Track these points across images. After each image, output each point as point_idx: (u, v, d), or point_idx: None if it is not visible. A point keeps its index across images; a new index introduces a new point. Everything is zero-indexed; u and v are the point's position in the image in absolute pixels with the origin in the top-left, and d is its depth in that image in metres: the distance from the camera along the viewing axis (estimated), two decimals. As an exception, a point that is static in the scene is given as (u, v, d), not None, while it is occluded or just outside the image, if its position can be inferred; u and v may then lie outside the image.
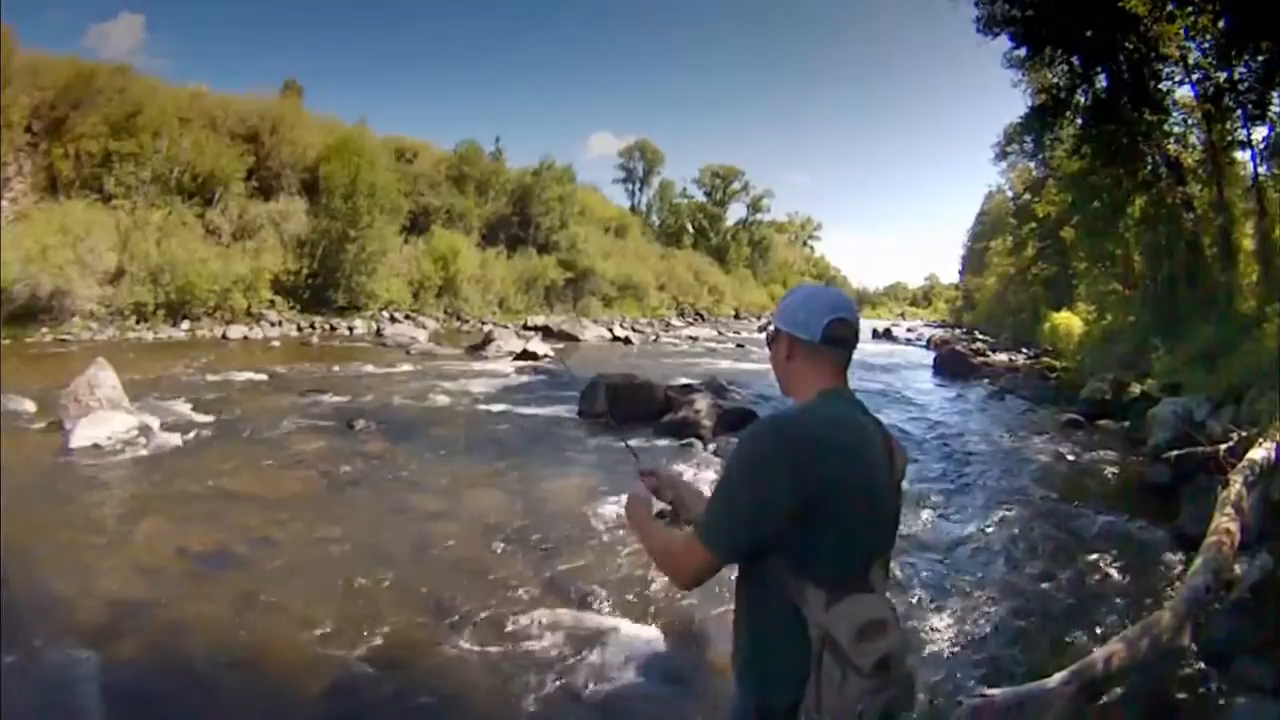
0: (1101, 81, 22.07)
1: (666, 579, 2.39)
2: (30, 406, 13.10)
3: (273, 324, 31.26)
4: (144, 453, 11.13)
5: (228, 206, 34.17)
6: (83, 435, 11.07)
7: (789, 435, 2.09)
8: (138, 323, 26.42)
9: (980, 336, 47.95)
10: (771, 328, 2.39)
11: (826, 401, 2.22)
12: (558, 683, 5.40)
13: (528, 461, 11.78)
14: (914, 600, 6.90)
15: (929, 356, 32.82)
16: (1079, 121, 22.90)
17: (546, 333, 35.66)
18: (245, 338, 28.04)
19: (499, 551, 7.85)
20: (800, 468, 2.00)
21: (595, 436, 13.58)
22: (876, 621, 2.01)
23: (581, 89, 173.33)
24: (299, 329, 31.75)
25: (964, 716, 4.33)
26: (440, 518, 8.98)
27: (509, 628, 6.15)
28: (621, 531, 8.30)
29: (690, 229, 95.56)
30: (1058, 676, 4.55)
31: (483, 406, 16.76)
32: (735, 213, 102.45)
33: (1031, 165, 32.61)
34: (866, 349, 38.17)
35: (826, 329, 2.24)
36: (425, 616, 6.38)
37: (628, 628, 6.19)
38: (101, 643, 5.74)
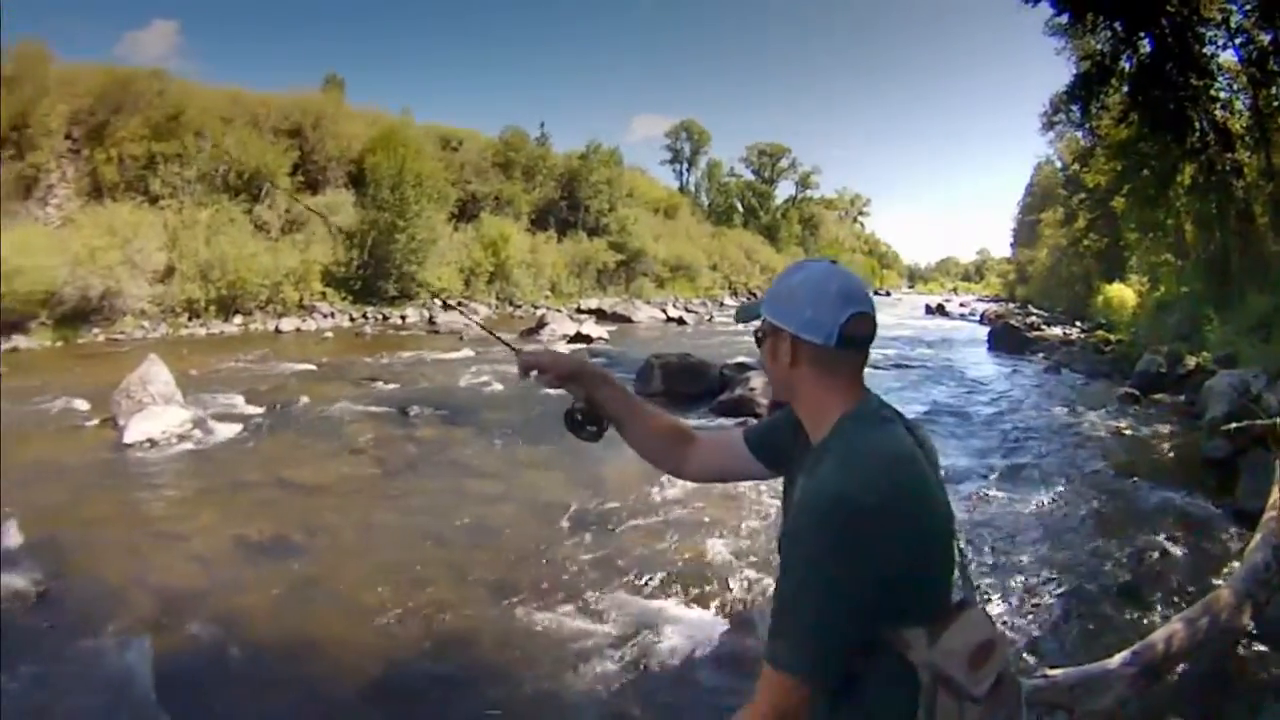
0: (1145, 47, 21.51)
1: None
2: (84, 405, 13.28)
3: (325, 315, 31.55)
4: (198, 445, 11.26)
5: (275, 202, 34.36)
6: (137, 430, 11.19)
7: (864, 514, 1.61)
8: (190, 319, 26.78)
9: (1034, 310, 47.37)
10: (761, 321, 1.90)
11: (866, 433, 1.76)
12: (613, 663, 5.39)
13: (582, 444, 11.59)
14: (975, 576, 6.75)
15: (983, 332, 32.43)
16: (1124, 89, 22.42)
17: (600, 315, 35.72)
18: (298, 330, 28.44)
19: (555, 533, 7.86)
20: (888, 555, 1.62)
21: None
22: (986, 643, 1.77)
23: (623, 72, 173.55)
24: (351, 319, 32.01)
25: (1026, 696, 4.18)
26: (496, 500, 9.01)
27: (565, 608, 6.16)
28: (678, 510, 8.35)
29: (740, 208, 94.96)
30: (1119, 657, 4.48)
31: (538, 390, 16.44)
32: (784, 190, 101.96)
33: (1079, 134, 31.93)
34: (920, 325, 38.03)
35: (844, 328, 1.76)
36: (481, 598, 6.41)
37: (684, 609, 6.18)
38: (157, 629, 5.83)
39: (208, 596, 6.45)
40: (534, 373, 2.43)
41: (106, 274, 23.99)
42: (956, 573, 1.84)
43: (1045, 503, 9.07)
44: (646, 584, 6.63)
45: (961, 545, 1.87)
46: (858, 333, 1.78)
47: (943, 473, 1.90)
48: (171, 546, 7.63)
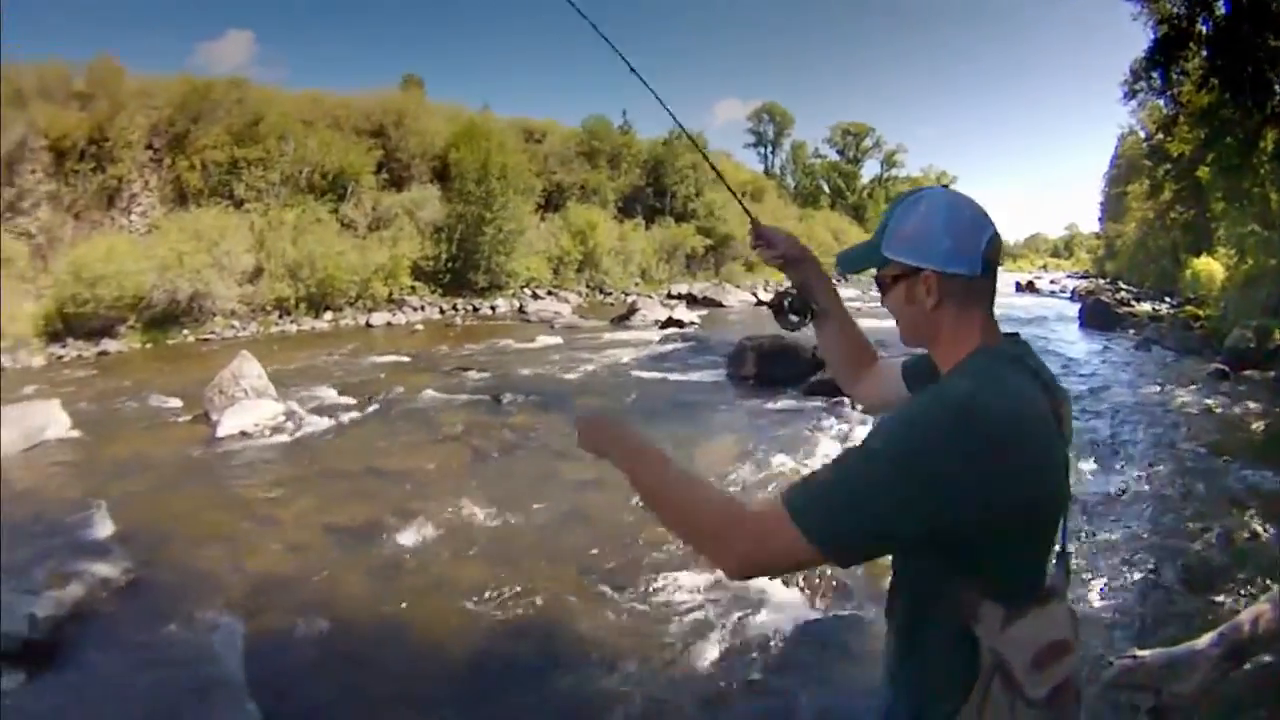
0: (1221, 8, 20.65)
1: (697, 554, 1.77)
2: (176, 403, 13.41)
3: (415, 309, 31.62)
4: (291, 436, 11.31)
5: (360, 200, 34.69)
6: (230, 424, 11.28)
7: (975, 424, 1.45)
8: (280, 317, 27.13)
9: (1124, 286, 46.29)
10: (890, 267, 1.74)
11: (1006, 367, 1.61)
12: (706, 643, 5.31)
13: (676, 426, 11.65)
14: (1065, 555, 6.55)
15: (1073, 308, 31.92)
16: (1203, 53, 21.56)
17: (690, 300, 35.58)
18: (389, 324, 28.58)
19: (646, 515, 7.63)
20: (981, 468, 1.43)
21: (745, 399, 13.37)
22: (1058, 644, 1.60)
23: (703, 57, 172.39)
24: (441, 311, 32.12)
25: (1113, 677, 4.24)
26: (589, 484, 8.82)
27: (656, 590, 6.10)
28: (771, 491, 8.07)
29: (826, 189, 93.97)
30: (1206, 638, 4.29)
31: (630, 374, 16.74)
32: (869, 170, 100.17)
33: (1161, 102, 30.81)
34: (1011, 302, 37.41)
35: (987, 251, 1.65)
36: (572, 580, 6.34)
37: (777, 591, 6.00)
38: (248, 613, 5.85)
39: (299, 581, 6.44)
40: (763, 246, 2.28)
41: (195, 277, 24.41)
42: (1054, 562, 1.66)
43: (1134, 481, 8.86)
44: None
45: (1065, 536, 1.69)
46: (993, 255, 1.66)
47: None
48: (263, 533, 7.64)
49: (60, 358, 19.81)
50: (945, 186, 1.81)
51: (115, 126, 27.67)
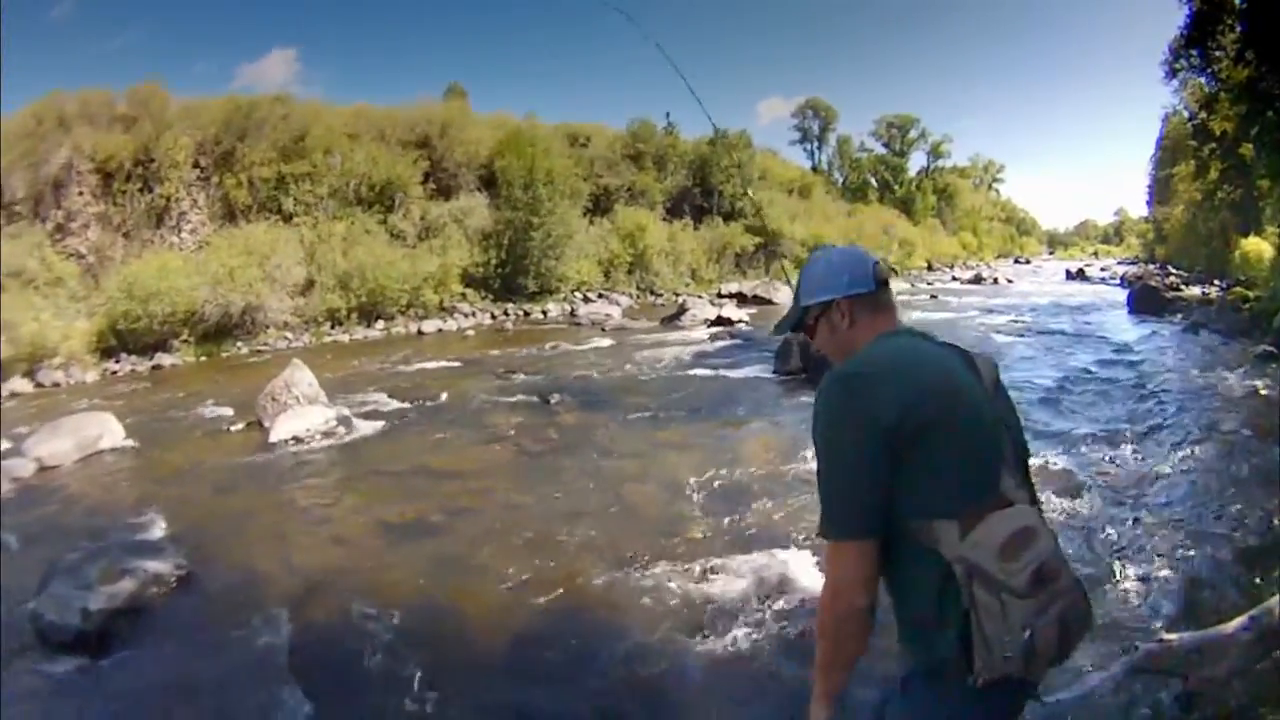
0: None
1: (841, 618, 1.99)
2: (229, 411, 13.64)
3: (466, 315, 31.73)
4: (343, 440, 11.47)
5: (409, 210, 34.96)
6: (282, 429, 11.48)
7: (853, 376, 1.99)
8: (332, 327, 27.38)
9: (1173, 271, 45.45)
10: (813, 310, 2.28)
11: (887, 339, 2.14)
12: (748, 630, 5.33)
13: (722, 422, 11.65)
14: (1100, 538, 6.62)
15: (1122, 294, 31.23)
16: (1238, 26, 21.13)
17: (740, 299, 35.37)
18: (439, 330, 28.79)
19: (693, 510, 7.77)
20: (878, 402, 1.90)
21: (790, 394, 13.30)
22: (1019, 531, 1.87)
23: (745, 56, 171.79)
24: (493, 317, 32.20)
25: (1142, 661, 4.23)
26: (634, 480, 8.95)
27: (700, 581, 6.13)
28: (812, 482, 8.06)
29: (874, 183, 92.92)
30: (1236, 622, 4.23)
31: (677, 373, 16.70)
32: (916, 162, 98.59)
33: (1202, 80, 30.16)
34: (1062, 291, 37.21)
35: (875, 272, 2.22)
36: (617, 572, 6.38)
37: (810, 576, 5.99)
38: (297, 607, 5.96)
39: (347, 574, 6.57)
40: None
41: (246, 290, 24.77)
42: (1011, 478, 1.96)
43: (1176, 464, 8.70)
44: (781, 555, 6.50)
45: (1019, 452, 2.06)
46: (882, 274, 2.23)
47: (1012, 391, 2.23)
48: (313, 531, 7.80)
49: (114, 373, 20.22)
50: (829, 245, 2.61)
51: (161, 147, 28.24)
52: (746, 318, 26.43)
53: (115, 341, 21.56)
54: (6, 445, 11.23)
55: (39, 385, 18.14)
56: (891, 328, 2.18)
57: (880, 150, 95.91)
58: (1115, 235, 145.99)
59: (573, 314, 32.70)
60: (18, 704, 4.89)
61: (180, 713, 4.77)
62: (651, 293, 42.97)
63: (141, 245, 26.91)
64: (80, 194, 26.38)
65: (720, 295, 37.17)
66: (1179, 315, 23.40)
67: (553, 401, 13.50)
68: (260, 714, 4.67)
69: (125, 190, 27.42)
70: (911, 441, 1.87)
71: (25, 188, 25.62)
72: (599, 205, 45.60)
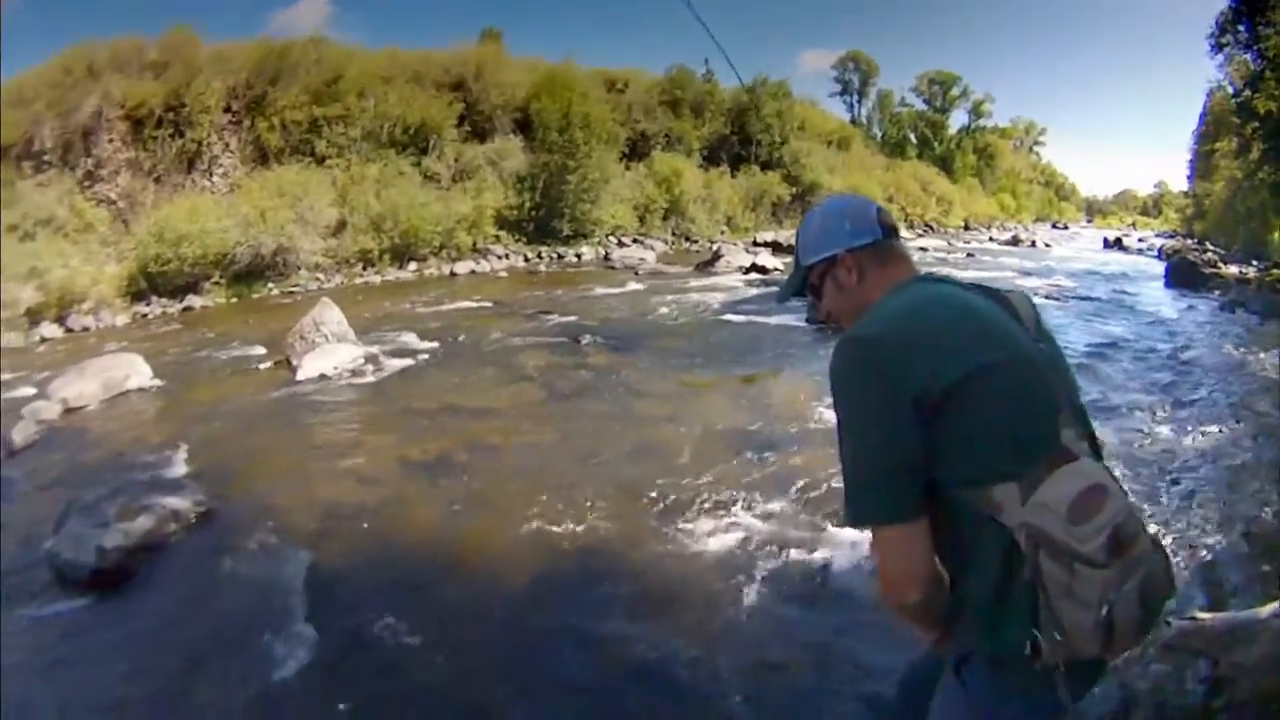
0: None
1: (899, 612, 1.79)
2: (259, 351, 13.61)
3: (499, 257, 31.67)
4: (370, 378, 11.43)
5: (443, 153, 34.80)
6: (310, 367, 11.46)
7: (868, 339, 1.75)
8: (364, 268, 27.35)
9: (1211, 247, 44.72)
10: (816, 268, 2.06)
11: (903, 289, 1.90)
12: (773, 581, 5.22)
13: (753, 368, 11.52)
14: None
15: (1160, 267, 30.88)
16: None
17: (776, 248, 35.06)
18: (472, 272, 28.66)
19: (722, 455, 7.62)
20: (900, 364, 1.68)
21: (824, 343, 13.07)
22: (1088, 489, 1.58)
23: (788, 6, 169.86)
24: (526, 260, 32.10)
25: (1173, 639, 4.01)
26: (662, 422, 8.82)
27: (727, 527, 6.02)
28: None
29: (913, 139, 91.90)
30: (1270, 607, 4.09)
31: (710, 318, 16.60)
32: (957, 120, 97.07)
33: (1248, 57, 29.33)
34: (1100, 259, 37.12)
35: (880, 218, 2.02)
36: (642, 516, 6.27)
37: (844, 532, 5.79)
38: (317, 543, 5.91)
39: (367, 512, 6.49)
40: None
41: (278, 232, 24.71)
42: (1071, 429, 1.73)
43: (1208, 442, 8.44)
44: (808, 501, 6.42)
45: (1074, 399, 1.82)
46: (888, 220, 2.01)
47: (1063, 348, 1.95)
48: (336, 468, 7.70)
49: (144, 316, 20.19)
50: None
51: (192, 92, 28.10)
52: (782, 266, 26.17)
53: (146, 285, 21.51)
54: (32, 390, 11.19)
55: (68, 330, 18.09)
56: (907, 275, 1.96)
57: (921, 106, 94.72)
58: (1154, 208, 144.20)
59: (606, 258, 32.67)
60: (29, 643, 4.86)
61: (190, 649, 4.69)
62: (686, 239, 42.81)
63: (172, 190, 26.85)
64: (110, 141, 26.32)
65: (755, 243, 36.82)
66: (1216, 292, 23.05)
67: (583, 343, 13.43)
68: (270, 651, 4.59)
69: (156, 136, 27.31)
70: (948, 402, 1.64)
71: (54, 137, 25.55)
72: (635, 151, 45.30)
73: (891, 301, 1.84)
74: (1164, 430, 8.79)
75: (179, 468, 7.75)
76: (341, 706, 4.08)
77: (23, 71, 27.80)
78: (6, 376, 12.24)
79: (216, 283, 22.86)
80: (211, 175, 28.56)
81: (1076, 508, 1.55)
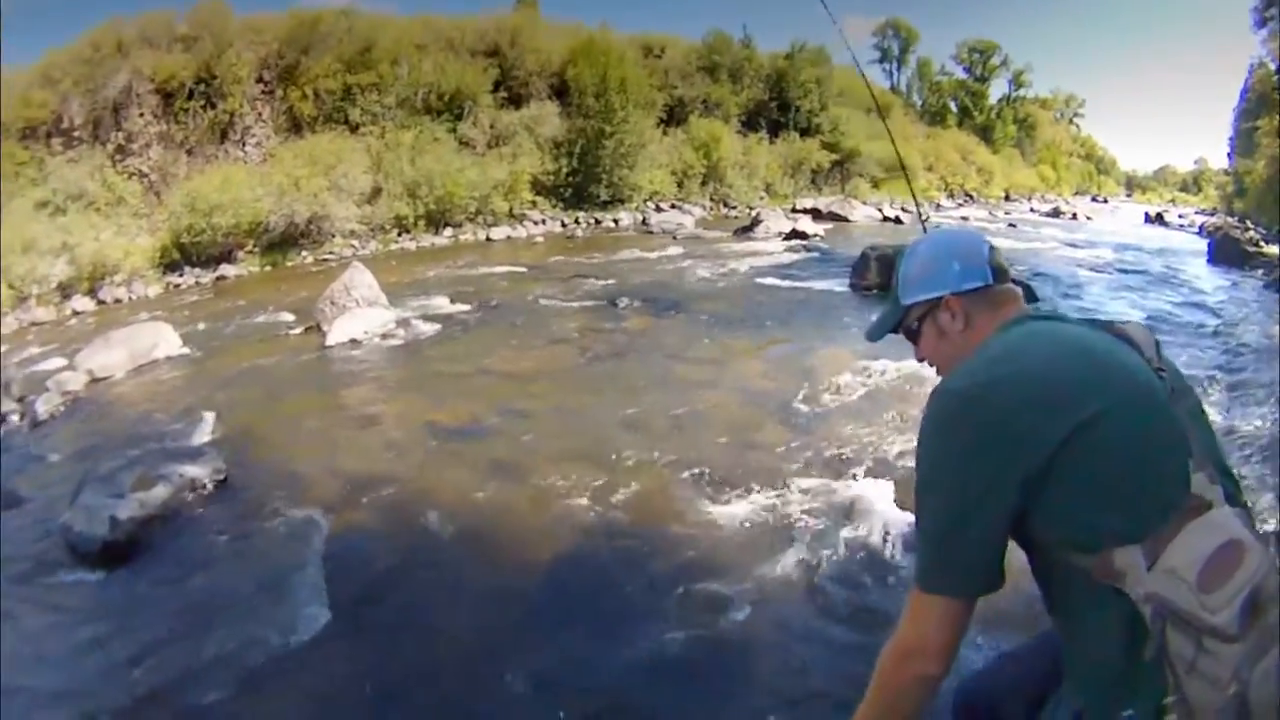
0: None
1: (904, 685, 1.60)
2: (289, 316, 13.53)
3: (536, 223, 31.64)
4: (401, 342, 11.31)
5: (478, 119, 34.67)
6: (339, 332, 11.32)
7: (970, 396, 1.54)
8: (399, 235, 27.38)
9: (1251, 226, 43.91)
10: (916, 309, 1.85)
11: (1008, 330, 1.69)
12: (812, 552, 4.97)
13: (795, 333, 11.24)
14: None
15: (1202, 243, 29.86)
16: None
17: (815, 214, 34.74)
18: (508, 238, 28.59)
19: (759, 419, 7.42)
20: (1005, 424, 1.48)
21: (866, 308, 12.79)
22: (1224, 547, 1.33)
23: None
24: (563, 225, 32.03)
25: None
26: (701, 386, 8.62)
27: (765, 495, 5.79)
28: (890, 402, 7.79)
29: (953, 108, 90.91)
30: None
31: (749, 282, 16.32)
32: (997, 90, 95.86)
33: None
34: (1138, 233, 36.61)
35: (992, 259, 1.78)
36: (680, 485, 6.02)
37: (885, 501, 5.60)
38: (338, 510, 5.73)
39: (392, 479, 6.29)
40: None
41: (312, 200, 24.65)
42: (1203, 471, 1.47)
43: (1252, 421, 8.07)
44: (848, 470, 6.18)
45: (1205, 435, 1.58)
46: (1000, 262, 1.79)
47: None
48: (362, 434, 7.53)
49: (177, 286, 20.19)
50: (938, 226, 2.20)
51: (223, 64, 28.10)
52: (822, 232, 25.99)
53: (179, 255, 21.53)
54: (62, 361, 11.07)
55: (100, 302, 18.08)
56: (1013, 316, 1.75)
57: (961, 75, 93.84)
58: (1193, 184, 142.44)
59: (644, 223, 32.43)
60: (34, 620, 4.72)
61: (196, 621, 4.51)
62: (725, 205, 42.52)
63: (205, 161, 26.90)
64: (140, 115, 26.33)
65: (795, 210, 36.46)
66: (1260, 270, 22.37)
67: (620, 306, 13.23)
68: (282, 622, 4.41)
69: (187, 108, 27.34)
70: (1055, 461, 1.44)
71: (84, 113, 25.59)
72: (673, 116, 44.97)
73: (995, 344, 1.66)
74: (1212, 414, 8.43)
75: (200, 436, 7.59)
76: (353, 680, 3.90)
77: (50, 51, 27.80)
78: (34, 350, 12.18)
79: (250, 252, 22.86)
80: (244, 145, 28.57)
81: (1207, 571, 1.32)
